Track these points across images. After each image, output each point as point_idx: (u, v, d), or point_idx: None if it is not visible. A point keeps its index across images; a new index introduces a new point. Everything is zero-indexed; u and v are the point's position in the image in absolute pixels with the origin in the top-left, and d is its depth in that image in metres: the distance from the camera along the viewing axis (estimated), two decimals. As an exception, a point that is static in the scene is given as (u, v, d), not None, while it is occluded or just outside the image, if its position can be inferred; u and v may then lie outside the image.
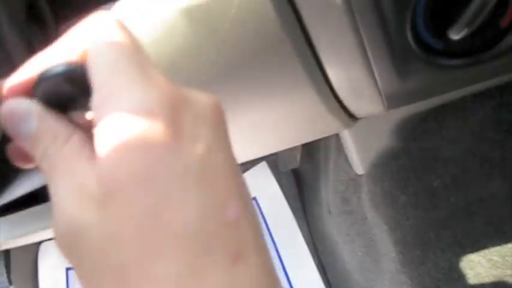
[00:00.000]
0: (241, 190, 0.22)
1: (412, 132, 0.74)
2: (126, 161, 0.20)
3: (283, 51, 0.38)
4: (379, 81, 0.41)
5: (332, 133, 0.68)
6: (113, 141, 0.20)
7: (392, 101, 0.45)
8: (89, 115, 0.23)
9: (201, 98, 0.22)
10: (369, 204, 0.79)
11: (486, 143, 0.68)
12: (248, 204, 0.22)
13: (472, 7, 0.36)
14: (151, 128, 0.20)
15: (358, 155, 0.79)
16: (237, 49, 0.37)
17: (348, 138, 0.79)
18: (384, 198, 0.75)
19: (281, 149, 0.60)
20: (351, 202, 0.87)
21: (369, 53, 0.39)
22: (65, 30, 0.25)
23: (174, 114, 0.20)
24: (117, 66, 0.21)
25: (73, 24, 0.40)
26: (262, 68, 0.39)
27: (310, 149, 1.05)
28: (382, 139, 0.76)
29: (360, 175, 0.82)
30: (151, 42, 0.37)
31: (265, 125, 0.48)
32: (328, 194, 0.95)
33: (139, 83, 0.21)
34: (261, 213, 1.16)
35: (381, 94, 0.44)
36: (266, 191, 1.15)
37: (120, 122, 0.20)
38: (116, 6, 0.37)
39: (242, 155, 0.59)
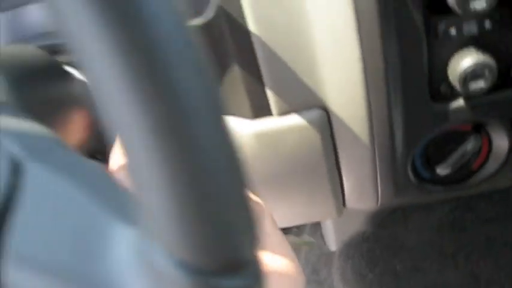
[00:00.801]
0: None
1: (382, 220, 0.88)
2: None
3: (318, 165, 0.50)
4: (380, 196, 0.55)
5: (324, 220, 0.81)
6: None
7: (385, 205, 0.59)
8: None
9: None
10: (339, 278, 0.91)
11: (443, 238, 0.82)
12: None
13: (455, 155, 0.51)
14: None
15: (334, 234, 0.92)
16: (288, 163, 0.49)
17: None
18: (353, 274, 0.88)
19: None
20: (321, 273, 0.99)
21: (378, 177, 0.52)
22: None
23: None
24: None
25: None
26: (300, 174, 0.51)
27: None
28: (356, 223, 0.90)
29: (333, 252, 0.95)
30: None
31: (276, 211, 0.61)
32: (300, 262, 1.06)
33: None
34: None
35: (377, 202, 0.57)
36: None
37: None
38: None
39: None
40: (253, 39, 0.42)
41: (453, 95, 0.46)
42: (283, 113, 0.46)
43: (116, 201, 0.22)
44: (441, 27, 0.43)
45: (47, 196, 0.21)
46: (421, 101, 0.46)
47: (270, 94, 0.45)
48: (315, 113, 0.46)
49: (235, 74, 0.45)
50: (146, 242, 0.18)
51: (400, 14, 0.41)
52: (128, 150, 0.16)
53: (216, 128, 0.16)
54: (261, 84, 0.44)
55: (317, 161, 0.49)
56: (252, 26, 0.42)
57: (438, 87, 0.46)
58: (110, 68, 0.15)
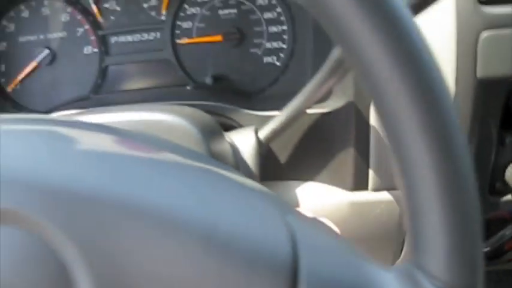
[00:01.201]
0: None
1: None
2: None
3: (392, 233, 0.61)
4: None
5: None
6: None
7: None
8: None
9: None
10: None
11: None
12: None
13: (496, 237, 0.63)
14: None
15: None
16: (370, 230, 0.60)
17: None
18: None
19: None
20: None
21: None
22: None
23: None
24: None
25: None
26: (377, 240, 0.62)
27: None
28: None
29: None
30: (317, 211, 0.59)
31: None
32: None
33: None
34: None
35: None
36: None
37: None
38: (299, 188, 0.59)
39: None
40: (371, 129, 0.54)
41: (506, 191, 0.59)
42: (377, 189, 0.57)
43: (361, 253, 0.31)
44: (508, 139, 0.56)
45: (319, 248, 0.30)
46: (481, 194, 0.58)
47: (371, 173, 0.56)
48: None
49: (347, 152, 0.56)
50: (412, 273, 0.27)
51: (482, 128, 0.54)
52: (415, 193, 0.26)
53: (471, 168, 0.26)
54: (367, 164, 0.56)
55: (392, 230, 0.60)
56: (372, 119, 0.53)
57: (494, 184, 0.59)
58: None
